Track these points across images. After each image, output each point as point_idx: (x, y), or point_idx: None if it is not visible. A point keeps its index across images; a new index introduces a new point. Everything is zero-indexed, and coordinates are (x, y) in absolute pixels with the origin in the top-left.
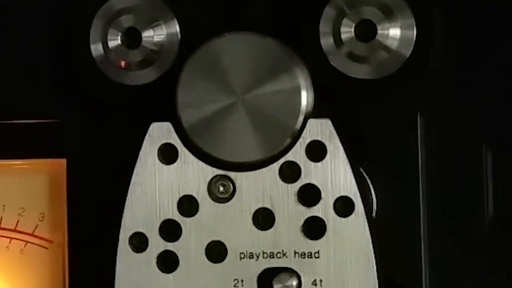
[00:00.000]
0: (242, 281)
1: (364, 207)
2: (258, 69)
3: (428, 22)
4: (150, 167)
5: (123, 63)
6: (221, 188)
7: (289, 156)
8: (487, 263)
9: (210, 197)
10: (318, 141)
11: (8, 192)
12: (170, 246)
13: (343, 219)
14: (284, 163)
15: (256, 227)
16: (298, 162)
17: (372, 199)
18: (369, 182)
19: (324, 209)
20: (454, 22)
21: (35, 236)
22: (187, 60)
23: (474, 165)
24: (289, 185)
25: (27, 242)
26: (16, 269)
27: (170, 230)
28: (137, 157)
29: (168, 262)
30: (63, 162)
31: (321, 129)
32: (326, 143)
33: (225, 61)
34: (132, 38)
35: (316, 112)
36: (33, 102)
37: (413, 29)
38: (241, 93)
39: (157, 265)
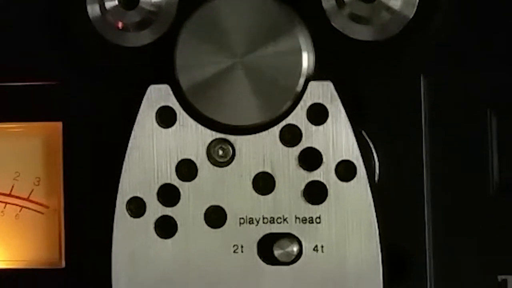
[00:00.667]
0: (241, 246)
1: (367, 171)
2: (258, 30)
3: None
4: (148, 130)
5: (120, 24)
6: (220, 152)
7: (289, 119)
8: (491, 227)
9: (209, 161)
10: (319, 104)
11: (3, 156)
12: (168, 211)
13: (345, 184)
14: (284, 126)
15: (256, 192)
16: (299, 125)
17: (375, 163)
18: (371, 145)
19: (325, 173)
20: None
21: (30, 201)
22: (186, 21)
23: (479, 129)
24: (290, 148)
25: (22, 207)
26: (11, 235)
27: (168, 195)
28: (134, 120)
29: (166, 228)
30: (59, 125)
31: (322, 92)
32: (328, 106)
33: (225, 22)
34: None
35: (317, 74)
36: (28, 64)
37: None
38: (240, 55)
39: (155, 231)
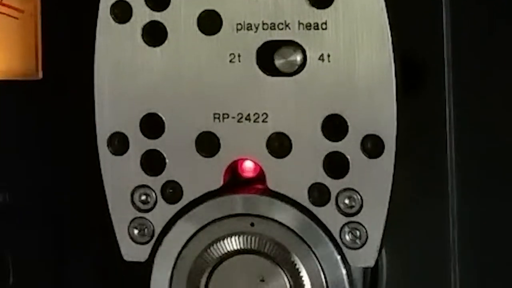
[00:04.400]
0: (239, 55)
1: None
2: None
3: None
4: None
5: None
6: None
7: None
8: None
9: None
10: None
11: None
12: (157, 16)
13: None
14: None
15: None
16: None
17: None
18: None
19: None
20: None
21: (3, 4)
22: None
23: None
24: None
25: None
26: None
27: None
28: None
29: (154, 34)
30: None
31: None
32: None
33: None
34: None
35: None
36: None
37: None
38: None
39: (143, 38)
